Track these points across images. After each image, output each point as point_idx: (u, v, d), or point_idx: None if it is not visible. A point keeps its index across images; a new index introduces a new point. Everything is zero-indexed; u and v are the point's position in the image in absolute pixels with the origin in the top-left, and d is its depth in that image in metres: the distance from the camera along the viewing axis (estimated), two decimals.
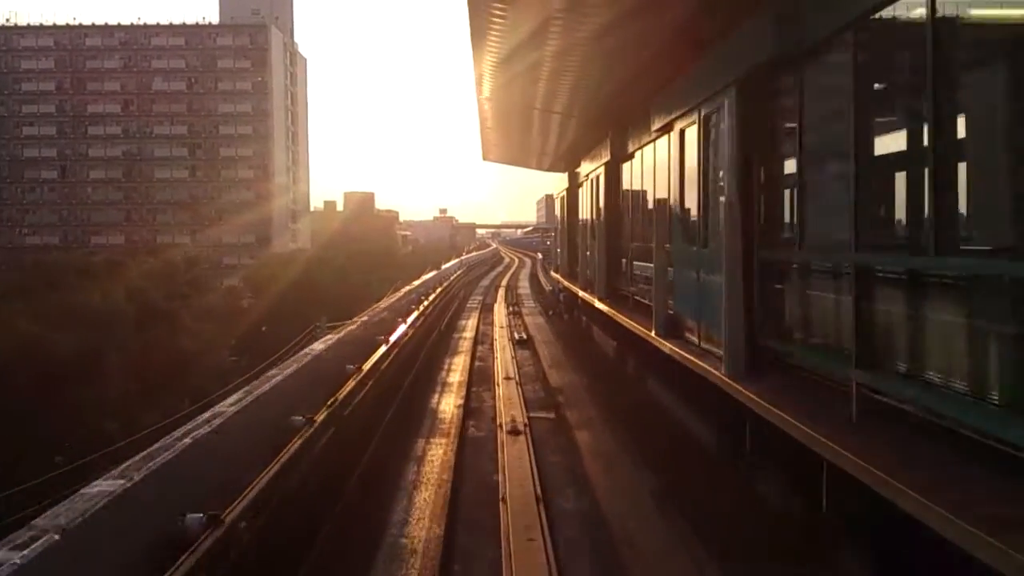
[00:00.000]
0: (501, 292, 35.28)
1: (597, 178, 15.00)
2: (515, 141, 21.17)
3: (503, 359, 15.29)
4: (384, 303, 16.89)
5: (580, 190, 19.92)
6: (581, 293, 16.08)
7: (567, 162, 22.34)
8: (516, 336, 18.98)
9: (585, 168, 16.98)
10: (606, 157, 13.63)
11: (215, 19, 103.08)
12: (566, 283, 20.06)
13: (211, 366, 39.39)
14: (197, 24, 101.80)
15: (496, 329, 20.60)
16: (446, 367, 15.01)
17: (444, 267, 35.22)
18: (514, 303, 29.61)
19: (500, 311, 25.82)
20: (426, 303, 18.77)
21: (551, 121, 16.24)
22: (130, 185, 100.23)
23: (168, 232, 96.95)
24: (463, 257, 53.02)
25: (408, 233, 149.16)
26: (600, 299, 13.37)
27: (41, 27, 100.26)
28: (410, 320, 14.54)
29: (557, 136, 18.26)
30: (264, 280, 56.07)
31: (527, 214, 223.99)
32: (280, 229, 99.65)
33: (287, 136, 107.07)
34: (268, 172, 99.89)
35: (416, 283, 21.82)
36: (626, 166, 12.71)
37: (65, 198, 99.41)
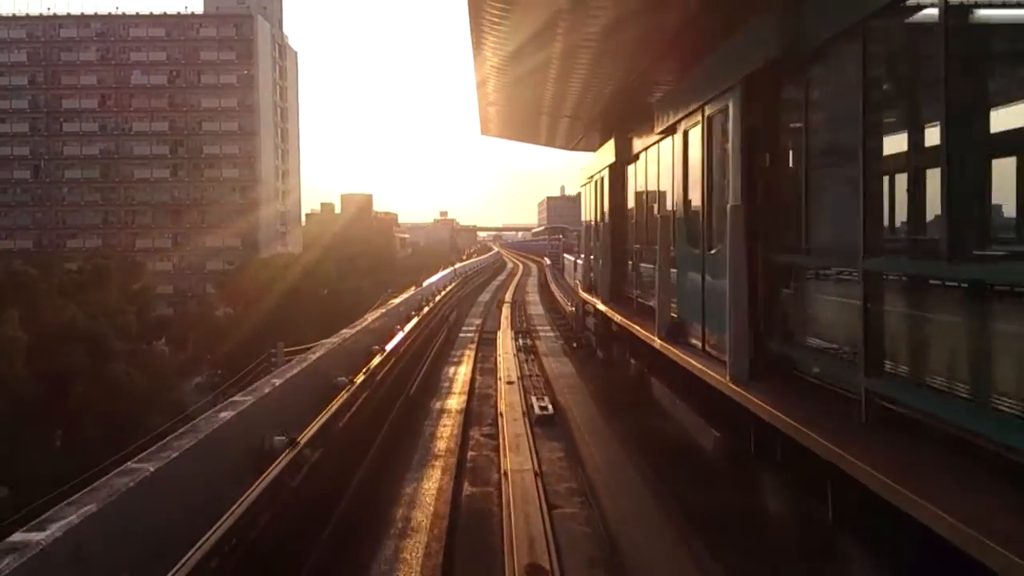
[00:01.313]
0: (506, 312, 27.40)
1: (708, 124, 7.43)
2: (522, 95, 13.38)
3: (516, 478, 7.84)
4: (323, 350, 9.49)
5: (635, 166, 12.40)
6: (668, 350, 8.37)
7: (606, 127, 14.72)
8: (536, 405, 11.45)
9: (665, 121, 9.32)
10: (731, 80, 6.09)
11: (198, 8, 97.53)
12: (618, 318, 12.17)
13: (155, 397, 32.07)
14: (179, 14, 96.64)
15: (502, 387, 12.99)
16: (395, 532, 6.89)
17: (428, 283, 25.53)
18: (524, 330, 22.03)
19: (506, 346, 18.27)
20: (381, 356, 11.13)
21: (582, 42, 8.49)
22: (108, 186, 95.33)
23: (148, 235, 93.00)
24: (459, 265, 44.76)
25: (407, 236, 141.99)
26: (743, 385, 5.80)
27: (13, 18, 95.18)
28: (330, 413, 6.97)
29: (593, 61, 10.21)
30: (243, 288, 49.12)
31: (528, 216, 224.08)
32: (269, 232, 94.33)
33: (276, 133, 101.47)
34: (255, 171, 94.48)
35: (370, 318, 13.80)
36: (800, 82, 5.17)
37: (39, 200, 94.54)
